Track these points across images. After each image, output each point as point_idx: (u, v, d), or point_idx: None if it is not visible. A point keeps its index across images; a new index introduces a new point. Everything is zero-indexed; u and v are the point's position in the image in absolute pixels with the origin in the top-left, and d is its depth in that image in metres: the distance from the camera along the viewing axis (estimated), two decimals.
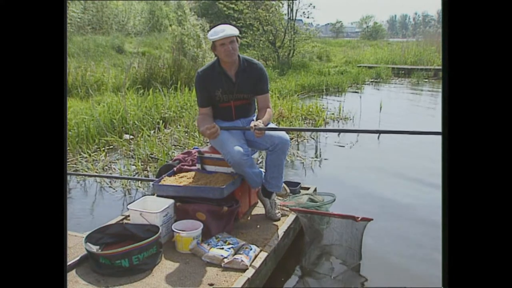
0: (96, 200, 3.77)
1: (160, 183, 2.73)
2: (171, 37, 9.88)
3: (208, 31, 3.51)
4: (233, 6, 13.64)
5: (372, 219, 2.58)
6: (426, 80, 13.45)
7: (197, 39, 9.13)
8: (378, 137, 5.85)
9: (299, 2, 14.15)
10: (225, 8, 13.87)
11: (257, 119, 2.68)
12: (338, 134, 6.04)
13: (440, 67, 14.26)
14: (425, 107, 9.17)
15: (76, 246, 2.45)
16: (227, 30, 2.61)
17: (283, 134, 2.72)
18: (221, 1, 14.51)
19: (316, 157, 5.02)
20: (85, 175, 4.14)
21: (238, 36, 2.69)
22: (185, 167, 2.98)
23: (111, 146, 5.09)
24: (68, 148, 4.59)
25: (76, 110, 5.84)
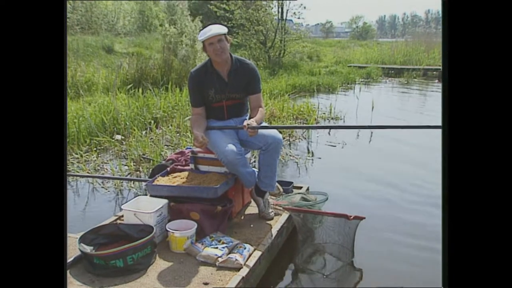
0: (88, 200, 3.75)
1: (153, 183, 2.73)
2: (162, 36, 9.83)
3: (200, 30, 3.52)
4: (224, 6, 13.59)
5: (364, 218, 2.61)
6: (415, 79, 13.57)
7: (189, 38, 9.09)
8: (372, 133, 5.88)
9: (289, 3, 14.14)
10: (216, 9, 13.82)
11: (249, 119, 2.69)
12: (329, 132, 6.09)
13: (429, 67, 14.53)
14: (415, 105, 9.25)
15: (70, 247, 2.43)
16: (214, 29, 2.63)
17: (276, 133, 2.74)
18: (212, 2, 14.44)
19: (308, 156, 5.05)
20: (77, 175, 4.11)
21: (227, 35, 2.70)
22: (179, 167, 2.98)
23: (103, 147, 5.06)
24: None
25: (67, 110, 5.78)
